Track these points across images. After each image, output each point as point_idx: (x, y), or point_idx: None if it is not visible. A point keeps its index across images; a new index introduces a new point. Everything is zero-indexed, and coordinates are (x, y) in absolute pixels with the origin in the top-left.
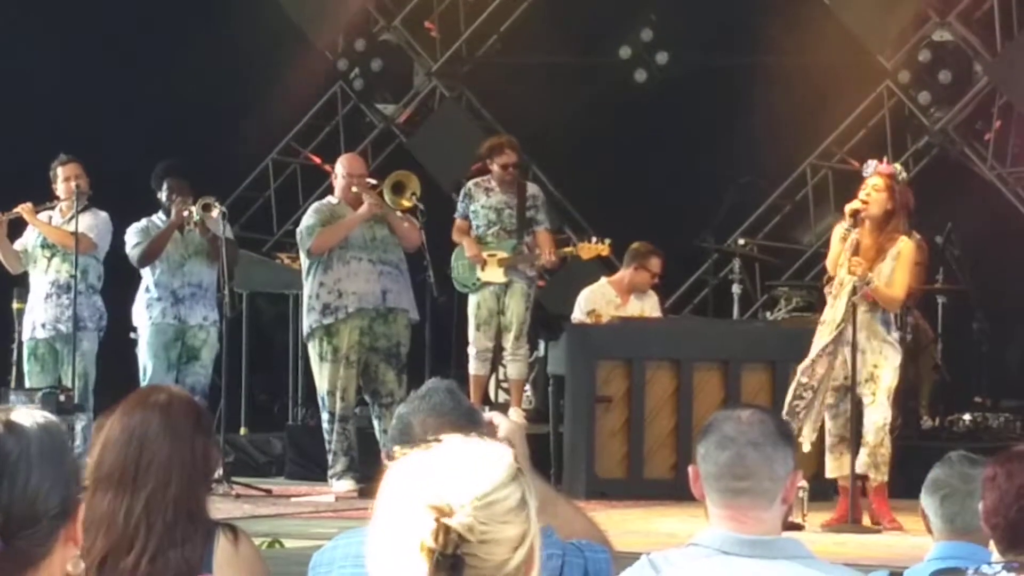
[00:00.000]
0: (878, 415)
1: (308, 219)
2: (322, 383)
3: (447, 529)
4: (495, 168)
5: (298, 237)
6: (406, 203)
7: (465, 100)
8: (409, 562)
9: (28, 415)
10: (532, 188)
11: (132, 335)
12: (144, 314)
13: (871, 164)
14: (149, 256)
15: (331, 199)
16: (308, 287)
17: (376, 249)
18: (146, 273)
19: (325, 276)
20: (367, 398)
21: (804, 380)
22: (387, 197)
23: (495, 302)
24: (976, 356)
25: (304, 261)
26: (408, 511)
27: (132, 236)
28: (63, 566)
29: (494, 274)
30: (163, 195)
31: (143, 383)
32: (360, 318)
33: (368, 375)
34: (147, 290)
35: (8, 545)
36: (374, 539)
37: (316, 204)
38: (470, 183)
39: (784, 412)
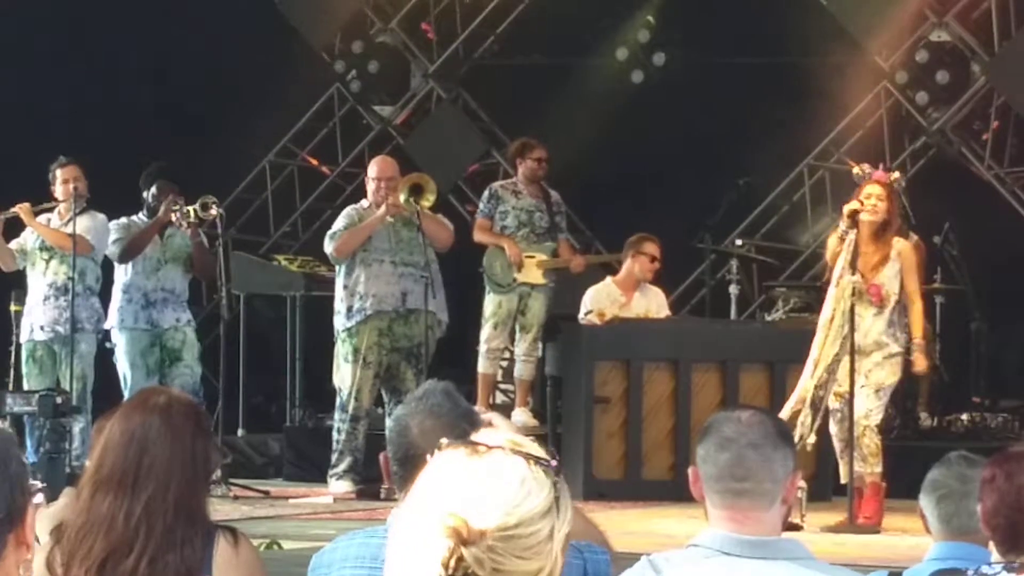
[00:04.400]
0: (859, 405)
1: (336, 224)
2: (341, 382)
3: (460, 557)
4: (528, 164)
5: (325, 242)
6: (426, 203)
7: (462, 102)
8: (419, 571)
9: None
10: (555, 194)
11: (108, 344)
12: (115, 318)
13: (866, 169)
14: (131, 251)
15: (363, 203)
16: (337, 290)
17: (400, 251)
18: (119, 275)
19: (348, 279)
20: (384, 395)
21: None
22: (402, 198)
23: (516, 303)
24: (974, 356)
25: (334, 265)
26: (429, 524)
27: (113, 232)
28: (15, 570)
29: (533, 276)
30: (150, 195)
31: (125, 392)
32: (379, 320)
33: (390, 373)
34: (118, 291)
35: None
36: (395, 532)
37: (347, 208)
38: (496, 185)
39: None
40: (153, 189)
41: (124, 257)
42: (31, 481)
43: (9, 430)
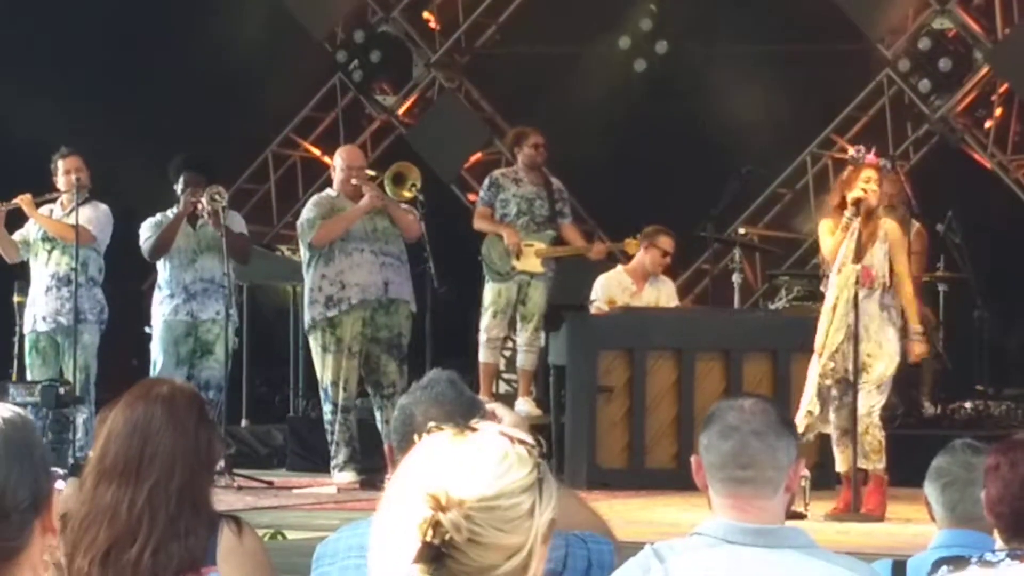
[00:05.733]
0: (862, 403)
1: (308, 212)
2: (325, 374)
3: (437, 523)
4: (526, 152)
5: (299, 230)
6: (407, 194)
7: (464, 91)
8: (401, 542)
9: None
10: (556, 182)
11: (147, 329)
12: (157, 311)
13: (861, 151)
14: (159, 249)
15: (330, 192)
16: (310, 279)
17: (378, 240)
18: (159, 269)
19: (327, 268)
20: (369, 389)
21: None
22: (388, 188)
23: (516, 292)
24: (977, 344)
25: (305, 254)
26: (411, 493)
27: (145, 230)
28: (41, 556)
29: (532, 264)
30: (179, 188)
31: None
32: (362, 309)
33: (370, 366)
34: (160, 287)
35: None
36: (381, 508)
37: (315, 197)
38: (496, 173)
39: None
40: (180, 182)
41: (153, 255)
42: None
43: (29, 416)
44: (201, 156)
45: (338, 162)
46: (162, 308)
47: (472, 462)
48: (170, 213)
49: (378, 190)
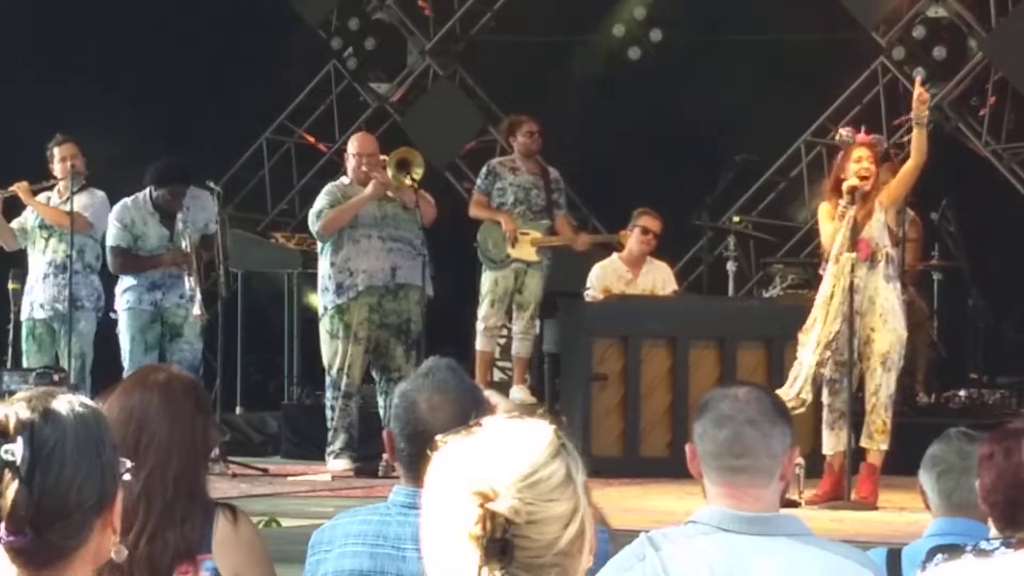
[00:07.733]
0: (870, 382)
1: (319, 202)
2: (331, 359)
3: (493, 515)
4: (521, 140)
5: (309, 220)
6: (409, 181)
7: (459, 79)
8: (460, 549)
9: (67, 403)
10: (554, 172)
11: (112, 315)
12: (121, 298)
13: (850, 132)
14: (125, 272)
15: (344, 180)
16: (322, 267)
17: (387, 226)
18: None
19: (336, 256)
20: (375, 374)
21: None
22: (390, 173)
23: (513, 280)
24: (972, 332)
25: (318, 243)
26: (453, 499)
27: (114, 232)
28: (99, 555)
29: (526, 253)
30: (159, 193)
31: (124, 364)
32: (370, 295)
33: (379, 351)
34: (122, 276)
35: (38, 537)
36: (426, 529)
37: (328, 186)
38: (494, 161)
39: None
40: (164, 191)
41: (119, 272)
42: (121, 459)
43: (101, 408)
44: (184, 165)
45: (350, 149)
46: (126, 296)
47: (497, 450)
48: (141, 203)
49: (386, 177)
